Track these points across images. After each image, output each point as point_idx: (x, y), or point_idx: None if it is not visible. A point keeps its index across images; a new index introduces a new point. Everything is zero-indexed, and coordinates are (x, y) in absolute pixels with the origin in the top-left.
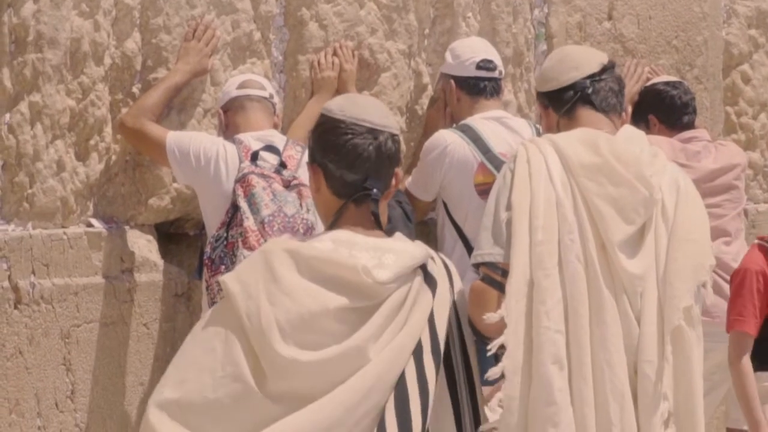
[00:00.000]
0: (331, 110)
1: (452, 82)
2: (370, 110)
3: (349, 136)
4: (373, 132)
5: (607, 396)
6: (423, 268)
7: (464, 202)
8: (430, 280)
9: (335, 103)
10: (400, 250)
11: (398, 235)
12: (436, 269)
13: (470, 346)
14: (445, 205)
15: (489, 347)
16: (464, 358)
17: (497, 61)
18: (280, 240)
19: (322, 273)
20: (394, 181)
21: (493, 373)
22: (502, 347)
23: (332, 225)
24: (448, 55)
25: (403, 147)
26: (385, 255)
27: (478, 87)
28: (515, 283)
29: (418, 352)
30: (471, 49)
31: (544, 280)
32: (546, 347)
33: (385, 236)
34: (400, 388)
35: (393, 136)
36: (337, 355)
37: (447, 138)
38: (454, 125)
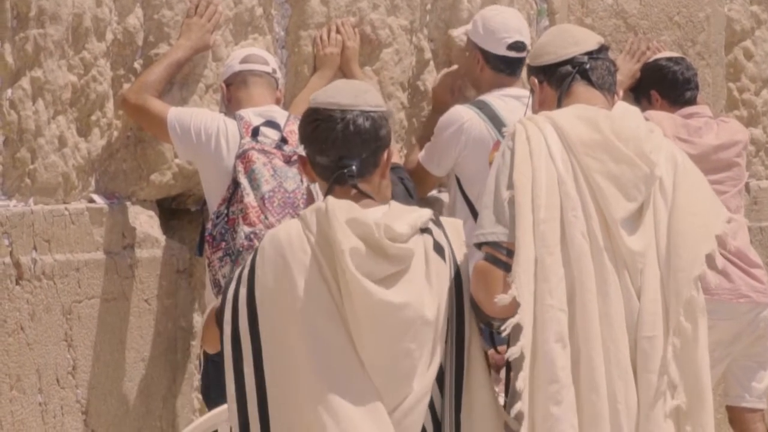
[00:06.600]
0: (309, 101)
1: (479, 52)
2: (341, 92)
3: (318, 122)
4: (341, 112)
5: (612, 373)
6: (430, 233)
7: (479, 180)
8: (438, 247)
9: (316, 92)
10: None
11: (393, 203)
12: (443, 236)
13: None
14: (458, 180)
15: (503, 327)
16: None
17: (527, 40)
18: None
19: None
20: (384, 157)
21: (512, 353)
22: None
23: None
24: (479, 24)
25: (404, 122)
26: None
27: (504, 65)
28: (523, 263)
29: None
30: (505, 27)
31: (547, 258)
32: (549, 325)
33: (380, 204)
34: None
35: (366, 113)
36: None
37: (464, 115)
38: (469, 103)
